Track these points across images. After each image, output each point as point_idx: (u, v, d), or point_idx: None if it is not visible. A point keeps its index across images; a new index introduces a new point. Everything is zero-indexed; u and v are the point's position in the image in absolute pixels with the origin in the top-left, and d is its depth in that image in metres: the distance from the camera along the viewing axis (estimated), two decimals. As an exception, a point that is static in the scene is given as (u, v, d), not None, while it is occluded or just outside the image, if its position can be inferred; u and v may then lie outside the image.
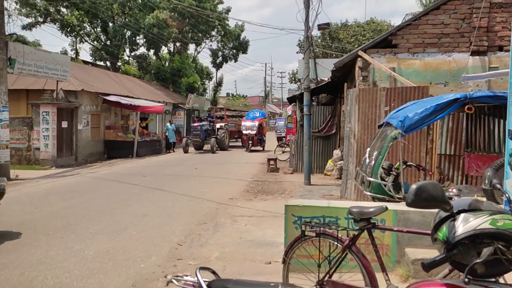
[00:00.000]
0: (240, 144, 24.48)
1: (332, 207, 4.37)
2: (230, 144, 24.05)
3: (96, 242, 5.61)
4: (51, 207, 7.85)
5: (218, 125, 21.95)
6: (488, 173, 2.66)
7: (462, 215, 1.88)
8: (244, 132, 22.31)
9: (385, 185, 4.98)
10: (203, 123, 21.56)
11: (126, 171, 13.67)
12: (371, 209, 2.96)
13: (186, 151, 20.32)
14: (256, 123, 22.25)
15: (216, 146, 21.04)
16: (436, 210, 2.04)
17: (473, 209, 1.94)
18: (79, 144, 16.73)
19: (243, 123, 23.04)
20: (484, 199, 4.29)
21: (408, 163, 5.49)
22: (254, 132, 22.00)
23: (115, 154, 18.36)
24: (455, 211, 1.91)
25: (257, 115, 24.05)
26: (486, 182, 2.75)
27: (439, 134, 6.67)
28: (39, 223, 6.59)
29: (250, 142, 21.80)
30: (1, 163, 11.51)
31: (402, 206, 4.14)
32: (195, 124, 21.73)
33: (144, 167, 14.85)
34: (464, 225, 1.82)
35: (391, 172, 5.21)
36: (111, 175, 12.62)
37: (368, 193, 5.11)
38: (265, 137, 24.18)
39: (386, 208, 3.04)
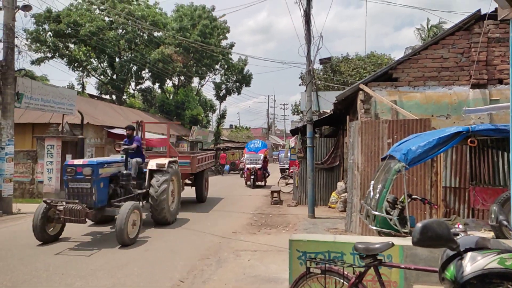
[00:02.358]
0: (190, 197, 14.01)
1: (337, 242, 4.30)
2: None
3: (96, 278, 5.50)
4: (52, 242, 7.75)
5: (152, 164, 9.56)
6: (494, 208, 2.63)
7: (469, 253, 1.85)
8: (248, 166, 19.93)
9: (390, 219, 4.91)
10: (106, 159, 8.97)
11: (128, 204, 13.55)
12: (377, 245, 2.91)
13: (41, 238, 7.51)
14: (261, 156, 20.17)
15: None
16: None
17: (480, 247, 1.91)
18: (83, 177, 16.72)
19: (246, 155, 20.81)
20: (492, 233, 4.22)
21: (413, 196, 5.44)
22: (259, 166, 19.73)
23: (118, 187, 18.26)
24: (462, 250, 1.88)
25: (259, 145, 21.56)
26: (493, 217, 2.72)
27: (443, 166, 6.65)
28: (39, 258, 6.49)
29: (252, 177, 19.40)
30: (4, 197, 11.50)
31: (408, 241, 4.06)
32: (76, 163, 7.90)
33: (147, 200, 14.73)
34: (472, 264, 1.79)
35: (396, 206, 5.15)
36: (114, 208, 12.49)
37: (374, 227, 5.03)
38: (268, 171, 21.70)
39: (393, 244, 2.99)
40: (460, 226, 4.11)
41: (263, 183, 20.28)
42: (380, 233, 4.92)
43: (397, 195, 5.57)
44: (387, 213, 5.03)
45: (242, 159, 21.44)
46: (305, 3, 10.90)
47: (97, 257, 6.60)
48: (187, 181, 13.59)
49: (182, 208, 11.06)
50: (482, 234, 4.34)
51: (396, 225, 4.83)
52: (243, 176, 20.58)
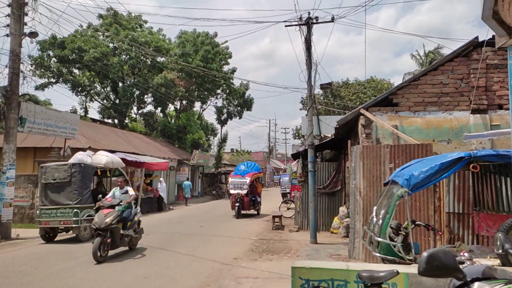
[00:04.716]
0: None
1: (340, 269, 4.22)
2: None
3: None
4: (50, 268, 7.64)
5: None
6: (500, 236, 2.60)
7: (476, 284, 1.82)
8: (232, 192, 17.11)
9: (394, 246, 4.84)
10: None
11: (128, 229, 13.42)
12: (382, 274, 2.87)
13: None
14: (247, 180, 17.29)
15: None
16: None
17: (487, 277, 1.88)
18: (83, 201, 16.63)
19: (230, 179, 18.21)
20: (498, 261, 4.15)
21: (416, 223, 5.37)
22: (244, 191, 16.81)
23: (118, 211, 18.09)
24: (468, 280, 1.85)
25: (247, 169, 18.65)
26: (498, 245, 2.68)
27: (446, 191, 6.61)
28: (37, 285, 6.38)
29: (237, 204, 16.64)
30: (3, 222, 11.40)
31: (413, 269, 3.99)
32: None
33: (146, 225, 14.58)
34: (480, 295, 1.75)
35: (399, 232, 5.08)
36: (114, 233, 12.36)
37: (377, 254, 4.95)
38: (260, 198, 18.66)
39: (397, 272, 2.95)
40: (466, 254, 4.05)
41: (255, 212, 18.05)
42: (384, 260, 4.84)
43: (400, 221, 5.51)
44: (391, 239, 4.96)
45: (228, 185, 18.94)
46: (305, 31, 11.14)
47: (95, 284, 6.48)
48: None
49: (184, 232, 10.82)
50: (488, 261, 4.27)
51: (400, 252, 4.75)
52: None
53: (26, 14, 12.09)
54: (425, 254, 1.77)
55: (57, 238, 11.24)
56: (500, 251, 2.36)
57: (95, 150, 17.54)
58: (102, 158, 12.35)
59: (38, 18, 21.69)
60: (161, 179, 22.63)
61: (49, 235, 11.09)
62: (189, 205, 24.07)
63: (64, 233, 11.47)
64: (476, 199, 6.24)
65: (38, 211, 11.20)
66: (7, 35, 11.97)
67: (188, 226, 14.14)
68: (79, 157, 11.68)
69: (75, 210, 10.72)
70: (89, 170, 11.53)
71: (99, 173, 12.48)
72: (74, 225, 10.71)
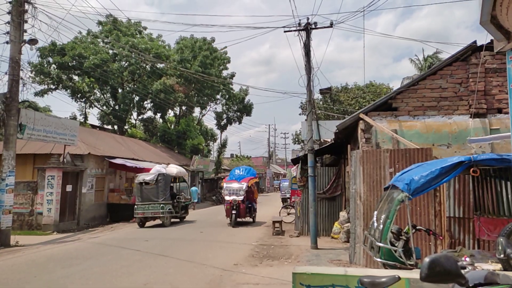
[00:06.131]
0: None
1: (342, 275, 4.19)
2: None
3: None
4: (50, 275, 7.60)
5: None
6: (501, 240, 2.59)
7: (479, 289, 1.80)
8: (227, 198, 16.00)
9: (395, 251, 4.82)
10: None
11: (128, 236, 13.38)
12: (383, 279, 2.85)
13: None
14: (244, 185, 16.23)
15: None
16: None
17: (489, 282, 1.87)
18: (82, 208, 16.61)
19: (225, 185, 17.07)
20: (499, 265, 4.13)
21: (417, 227, 5.35)
22: (240, 198, 15.75)
23: (118, 218, 18.13)
24: (471, 285, 1.84)
25: (243, 173, 17.62)
26: (500, 249, 2.66)
27: (447, 196, 6.59)
28: (36, 293, 6.34)
29: (234, 212, 15.54)
30: (2, 229, 11.36)
31: (414, 274, 3.97)
32: None
33: (146, 231, 14.56)
34: (483, 301, 1.74)
35: (400, 237, 5.06)
36: (113, 240, 12.33)
37: (378, 260, 4.92)
38: (256, 204, 17.82)
39: (399, 278, 2.92)
40: (467, 259, 4.03)
41: (250, 219, 17.19)
42: (385, 266, 4.81)
43: (401, 226, 5.49)
44: (392, 244, 4.93)
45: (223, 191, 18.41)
46: (304, 36, 11.18)
47: (96, 291, 6.44)
48: None
49: (184, 237, 10.91)
50: (489, 266, 4.25)
51: (401, 257, 4.73)
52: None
53: (26, 21, 12.12)
54: (427, 259, 1.76)
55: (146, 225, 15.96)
56: (502, 255, 2.35)
57: (95, 157, 17.61)
58: (173, 170, 17.99)
59: (38, 25, 21.79)
60: None
61: (142, 223, 15.77)
62: (196, 209, 25.06)
63: (152, 221, 16.30)
64: (476, 204, 6.22)
65: (135, 206, 15.88)
66: (7, 42, 12.00)
67: (188, 232, 14.09)
68: (158, 168, 16.88)
69: (161, 205, 15.66)
70: (168, 177, 16.72)
71: (172, 180, 17.77)
72: (161, 215, 15.72)
